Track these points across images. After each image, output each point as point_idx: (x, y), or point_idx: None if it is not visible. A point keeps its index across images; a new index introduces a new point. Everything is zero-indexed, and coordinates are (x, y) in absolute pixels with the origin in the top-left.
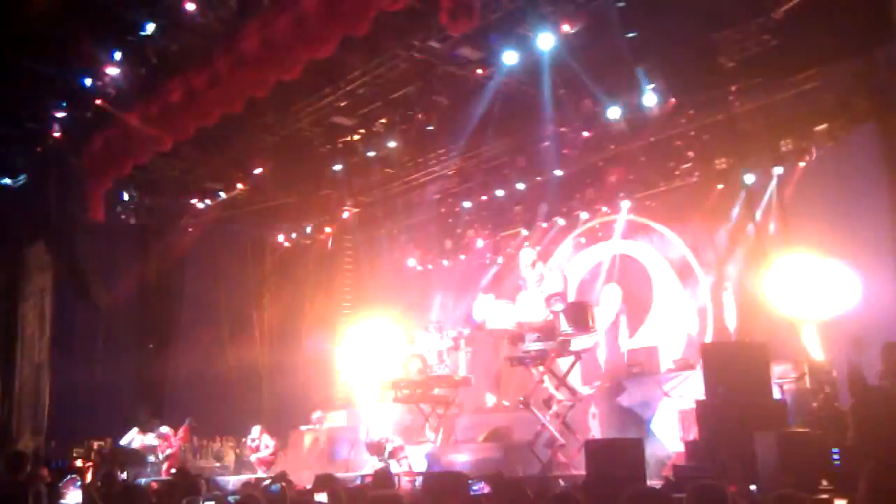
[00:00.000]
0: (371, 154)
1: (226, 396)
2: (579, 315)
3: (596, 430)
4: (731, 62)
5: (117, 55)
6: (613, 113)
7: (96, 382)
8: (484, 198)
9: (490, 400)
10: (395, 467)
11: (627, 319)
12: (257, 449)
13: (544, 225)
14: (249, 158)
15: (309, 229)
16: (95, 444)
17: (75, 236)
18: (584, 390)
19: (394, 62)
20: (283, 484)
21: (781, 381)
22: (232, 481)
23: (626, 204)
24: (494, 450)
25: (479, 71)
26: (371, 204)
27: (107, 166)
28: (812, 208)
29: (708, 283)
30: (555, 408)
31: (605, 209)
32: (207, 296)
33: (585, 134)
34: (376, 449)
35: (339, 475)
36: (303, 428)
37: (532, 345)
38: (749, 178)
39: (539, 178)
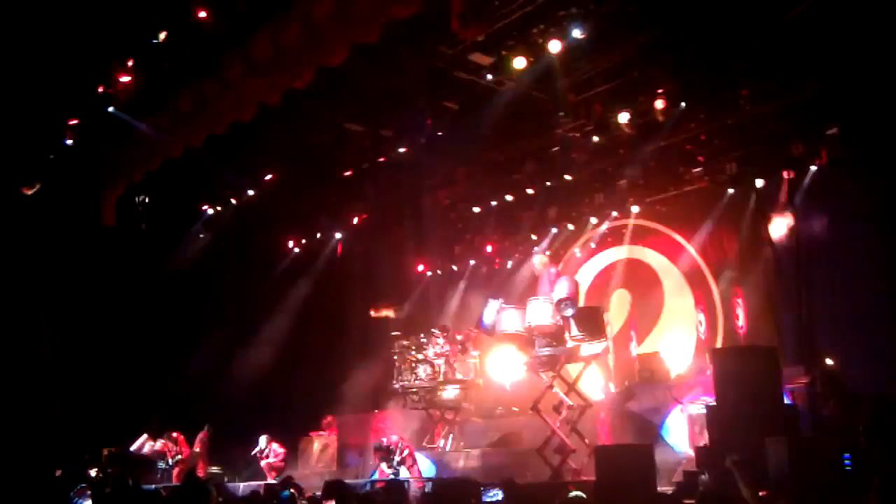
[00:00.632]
0: (381, 160)
1: (236, 402)
2: (589, 320)
3: (606, 436)
4: (741, 65)
5: (130, 63)
6: (623, 118)
7: (107, 388)
8: (493, 203)
9: (499, 406)
10: (404, 473)
11: (637, 325)
12: (266, 457)
13: (554, 230)
14: (260, 165)
15: (319, 235)
16: (106, 450)
17: (87, 243)
18: (594, 396)
19: (404, 68)
20: (293, 490)
21: (792, 387)
22: (242, 487)
23: (635, 209)
24: (504, 455)
25: (490, 76)
26: (381, 209)
27: (119, 173)
28: (823, 212)
29: (718, 287)
30: (564, 413)
31: (615, 214)
32: (218, 302)
33: (595, 139)
34: (385, 455)
35: (349, 481)
36: (312, 434)
37: (542, 350)
38: (759, 183)
39: (549, 183)
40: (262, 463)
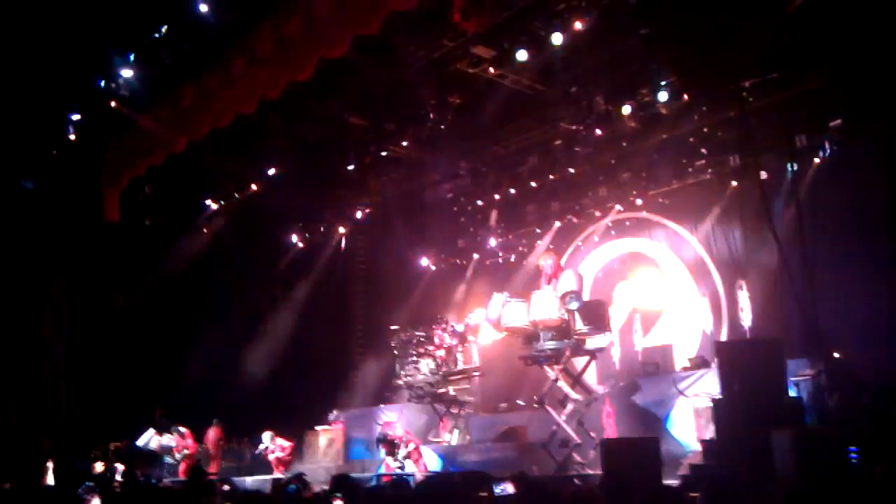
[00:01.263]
0: (384, 154)
1: (241, 397)
2: (594, 314)
3: (611, 430)
4: (744, 58)
5: (131, 57)
6: (626, 110)
7: (113, 383)
8: (497, 197)
9: (505, 399)
10: (409, 467)
11: (642, 318)
12: (272, 453)
13: (557, 223)
14: (263, 159)
15: (322, 229)
16: (112, 446)
17: (91, 238)
18: (599, 389)
19: (406, 61)
20: (299, 485)
21: (798, 379)
22: (248, 481)
23: (639, 202)
24: (509, 449)
25: (492, 69)
26: (384, 204)
27: (121, 168)
28: (827, 204)
29: (722, 280)
30: (570, 407)
31: (618, 207)
32: (222, 296)
33: (598, 132)
34: (391, 449)
35: (355, 476)
36: (318, 428)
37: (547, 344)
38: (763, 175)
39: (552, 177)
40: (270, 458)
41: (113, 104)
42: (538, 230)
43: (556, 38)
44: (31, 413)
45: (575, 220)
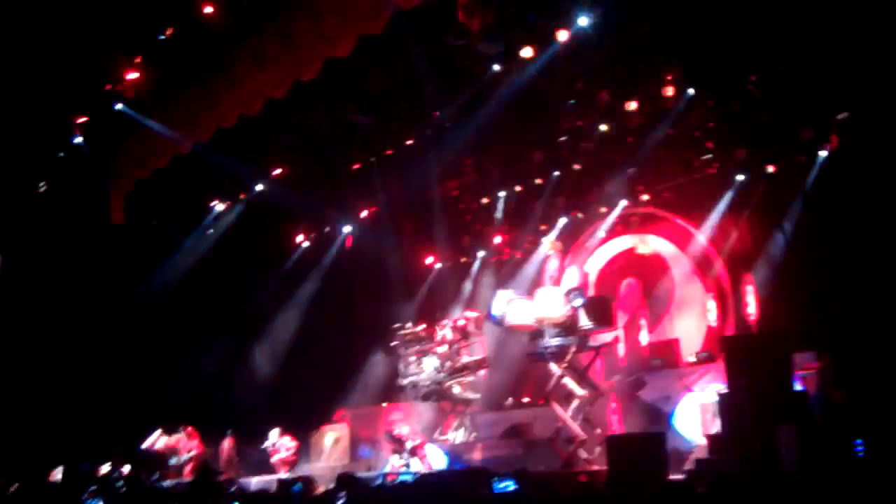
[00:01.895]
0: (389, 152)
1: (247, 396)
2: (599, 309)
3: (617, 426)
4: (749, 52)
5: (137, 59)
6: (631, 105)
7: (120, 385)
8: (502, 193)
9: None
10: (416, 465)
11: (647, 313)
12: (277, 451)
13: (563, 219)
14: (269, 160)
15: (328, 228)
16: (118, 447)
17: (97, 240)
18: (605, 385)
19: (411, 59)
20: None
21: (804, 373)
22: (254, 482)
23: (644, 197)
24: (515, 446)
25: (497, 66)
26: (389, 202)
27: (127, 170)
28: (834, 197)
29: (728, 274)
30: (575, 403)
31: (624, 202)
32: (228, 297)
33: (603, 127)
34: (397, 447)
35: (361, 475)
36: (324, 428)
37: (552, 340)
38: (769, 169)
39: (557, 173)
40: (274, 458)
41: (119, 106)
42: (544, 227)
43: (561, 35)
44: (37, 414)
45: (581, 215)
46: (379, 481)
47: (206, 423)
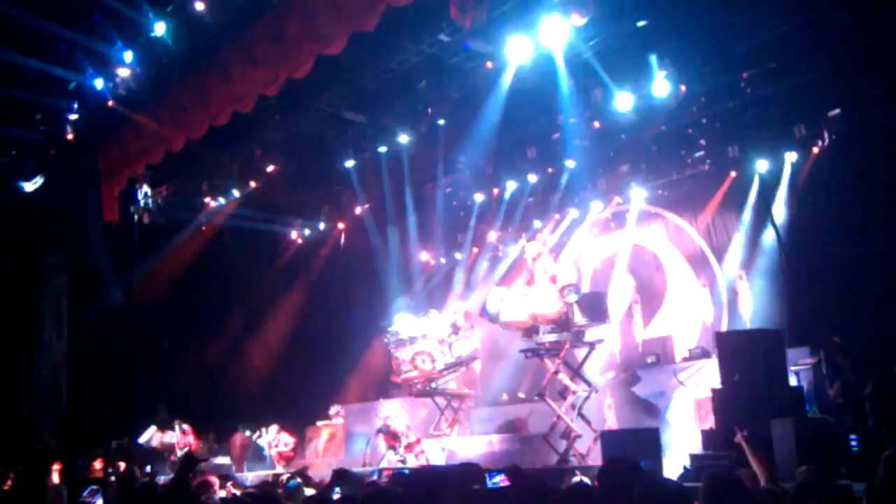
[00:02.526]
0: (382, 149)
1: (242, 393)
2: (593, 306)
3: (611, 421)
4: (741, 48)
5: (128, 56)
6: (624, 102)
7: (114, 381)
8: (496, 191)
9: (505, 392)
10: (411, 461)
11: (641, 309)
12: (276, 446)
13: (557, 216)
14: (262, 156)
15: (322, 226)
16: (114, 443)
17: (90, 237)
18: (599, 381)
19: (403, 56)
20: (300, 479)
21: (797, 368)
22: (250, 477)
23: (638, 193)
24: (510, 442)
25: (489, 64)
26: (383, 199)
27: (120, 167)
28: (826, 194)
29: (722, 270)
30: (570, 399)
31: (617, 199)
32: (222, 294)
33: (596, 124)
34: (392, 443)
35: (356, 470)
36: (319, 423)
37: (546, 336)
38: (762, 166)
39: (550, 170)
40: (272, 452)
41: (111, 104)
42: (538, 223)
43: (554, 32)
44: (33, 411)
45: (576, 212)
46: (374, 476)
47: (201, 419)
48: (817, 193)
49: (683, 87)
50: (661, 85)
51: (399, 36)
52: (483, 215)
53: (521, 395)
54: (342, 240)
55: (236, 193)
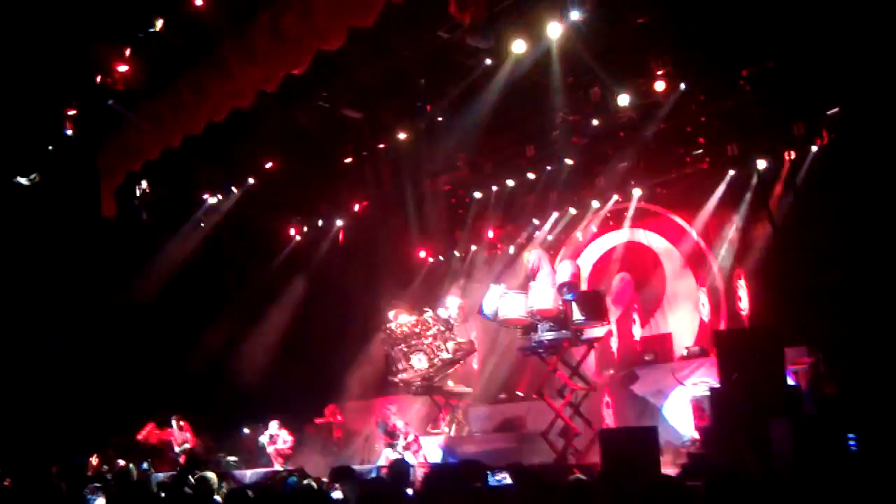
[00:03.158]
0: (381, 146)
1: (240, 390)
2: (592, 304)
3: (610, 419)
4: (740, 47)
5: (127, 52)
6: (623, 100)
7: (113, 378)
8: (494, 188)
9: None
10: (409, 459)
11: (640, 308)
12: (274, 443)
13: (555, 214)
14: (260, 153)
15: (320, 223)
16: (112, 439)
17: (88, 233)
18: (598, 379)
19: (402, 53)
20: (299, 477)
21: (795, 367)
22: (249, 474)
23: (636, 192)
24: (509, 440)
25: (488, 60)
26: (382, 196)
27: (118, 163)
28: (825, 192)
29: (720, 269)
30: (568, 397)
31: (615, 197)
32: (220, 291)
33: (595, 122)
34: (391, 441)
35: (355, 468)
36: (317, 421)
37: (545, 334)
38: (761, 164)
39: (549, 168)
40: (271, 449)
41: (109, 100)
42: (536, 221)
43: (553, 29)
44: (32, 409)
45: (573, 210)
46: (373, 474)
47: (200, 416)
48: (816, 191)
49: (682, 85)
50: (660, 83)
51: (398, 32)
52: (481, 213)
53: (520, 394)
54: (341, 237)
55: (235, 190)
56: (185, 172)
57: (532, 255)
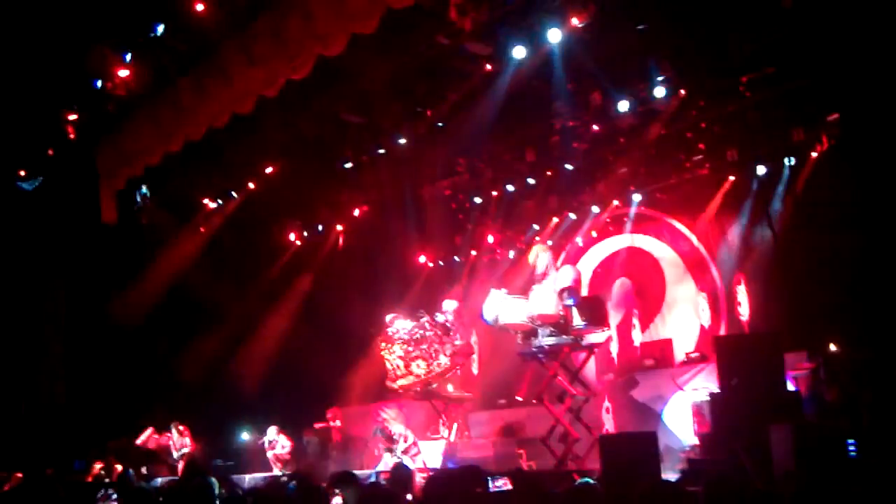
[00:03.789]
0: (381, 151)
1: (240, 395)
2: (592, 309)
3: (610, 425)
4: (741, 53)
5: (128, 57)
6: (623, 106)
7: (111, 383)
8: (494, 193)
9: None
10: (408, 463)
11: (640, 313)
12: (273, 448)
13: (555, 219)
14: (260, 158)
15: (321, 227)
16: (111, 444)
17: (88, 237)
18: (598, 385)
19: (403, 58)
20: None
21: (796, 373)
22: (247, 479)
23: (636, 197)
24: (508, 445)
25: (489, 66)
26: (382, 201)
27: (119, 167)
28: (824, 198)
29: (720, 275)
30: (568, 402)
31: (615, 203)
32: (219, 295)
33: (595, 128)
34: (390, 445)
35: (354, 472)
36: (318, 425)
37: (545, 340)
38: (761, 170)
39: (549, 173)
40: (270, 454)
41: (110, 105)
42: (536, 226)
43: (553, 35)
44: (30, 413)
45: (573, 215)
46: (373, 479)
47: (199, 420)
48: (815, 197)
49: (683, 91)
50: (661, 89)
51: (398, 38)
52: (481, 218)
53: (520, 399)
54: (340, 241)
55: (235, 195)
56: (186, 177)
57: (543, 256)
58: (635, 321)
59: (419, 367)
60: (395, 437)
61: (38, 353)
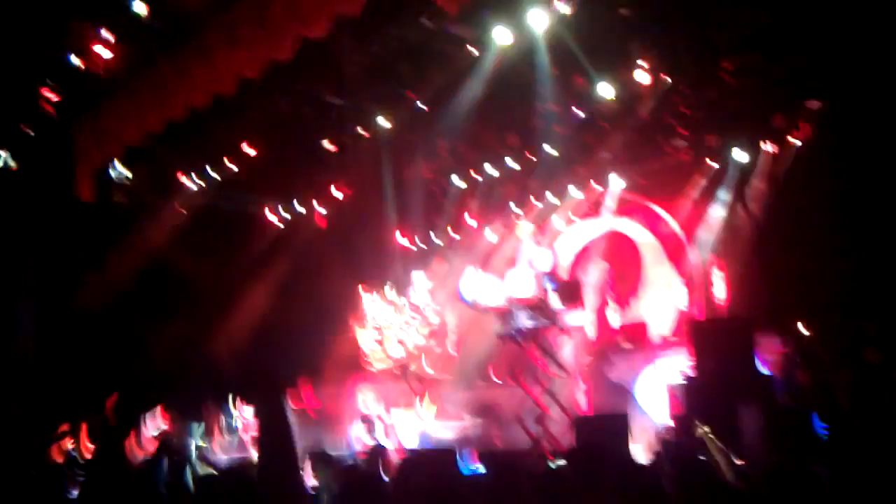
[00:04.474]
0: (363, 133)
1: (217, 374)
2: (570, 291)
3: (585, 406)
4: (724, 39)
5: (107, 34)
6: (605, 90)
7: (86, 363)
8: (475, 175)
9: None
10: (385, 443)
11: (617, 295)
12: (249, 429)
13: (536, 202)
14: (240, 138)
15: (300, 209)
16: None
17: (61, 214)
18: (575, 366)
19: (385, 41)
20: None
21: (769, 356)
22: (224, 459)
23: (616, 181)
24: (485, 425)
25: (472, 49)
26: (362, 182)
27: (97, 147)
28: (804, 184)
29: (698, 258)
30: (545, 383)
31: (595, 186)
32: (198, 276)
33: (578, 112)
34: (367, 426)
35: (331, 453)
36: (295, 405)
37: (523, 321)
38: (741, 156)
39: (531, 156)
40: (246, 436)
41: (88, 82)
42: (516, 209)
43: (537, 19)
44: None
45: (555, 199)
46: (350, 460)
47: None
48: (794, 183)
49: (665, 76)
50: (643, 74)
51: (382, 20)
52: (462, 200)
53: (497, 380)
54: (320, 222)
55: (214, 175)
56: (164, 157)
57: (528, 236)
58: (613, 304)
59: (395, 348)
60: (370, 417)
61: (11, 332)
